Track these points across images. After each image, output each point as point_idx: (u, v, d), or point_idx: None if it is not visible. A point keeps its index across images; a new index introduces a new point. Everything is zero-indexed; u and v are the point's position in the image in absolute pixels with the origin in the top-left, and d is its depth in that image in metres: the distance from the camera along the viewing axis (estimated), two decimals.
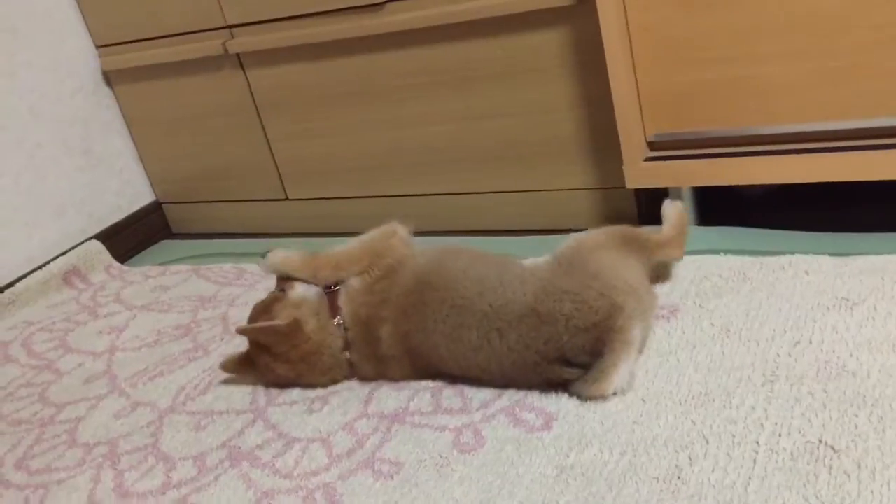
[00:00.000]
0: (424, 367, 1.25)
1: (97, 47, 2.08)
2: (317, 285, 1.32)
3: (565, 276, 1.17)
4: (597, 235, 1.28)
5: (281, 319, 1.26)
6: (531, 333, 1.13)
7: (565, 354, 1.12)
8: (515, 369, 1.16)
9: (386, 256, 1.29)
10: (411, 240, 1.35)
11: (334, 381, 1.31)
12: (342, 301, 1.28)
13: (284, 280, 1.33)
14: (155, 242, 2.20)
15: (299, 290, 1.31)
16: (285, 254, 1.35)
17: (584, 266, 1.17)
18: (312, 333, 1.27)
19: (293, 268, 1.33)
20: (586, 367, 1.12)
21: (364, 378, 1.30)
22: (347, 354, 1.28)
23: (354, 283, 1.29)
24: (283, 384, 1.33)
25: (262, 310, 1.31)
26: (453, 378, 1.25)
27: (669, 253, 1.35)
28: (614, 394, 1.12)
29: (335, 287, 1.30)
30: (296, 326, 1.26)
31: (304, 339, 1.27)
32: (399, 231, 1.34)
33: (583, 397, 1.13)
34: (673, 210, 1.39)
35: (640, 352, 1.19)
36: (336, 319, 1.27)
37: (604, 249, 1.22)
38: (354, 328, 1.27)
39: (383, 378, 1.29)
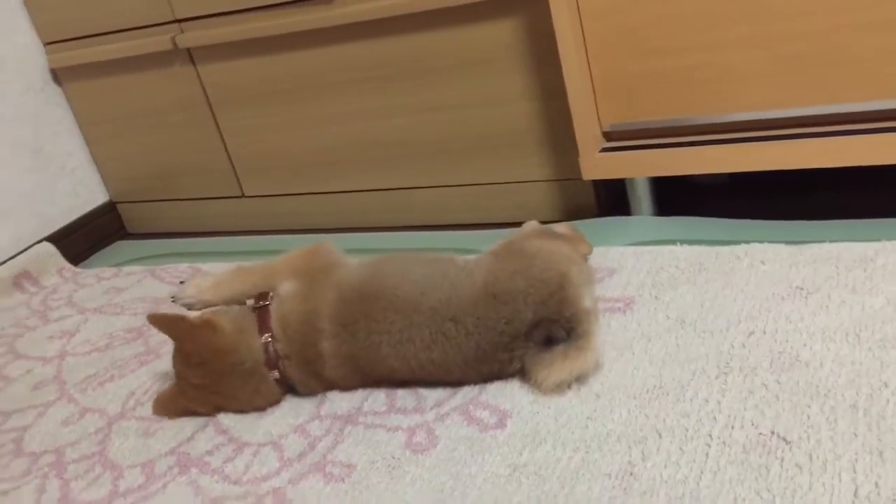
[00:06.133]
0: (375, 381, 1.22)
1: (44, 44, 2.03)
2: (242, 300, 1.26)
3: (508, 260, 1.19)
4: (522, 232, 1.32)
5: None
6: (490, 315, 1.12)
7: (532, 330, 1.11)
8: (479, 354, 1.14)
9: (314, 263, 1.25)
10: (340, 253, 1.28)
11: (265, 402, 1.23)
12: (273, 313, 1.21)
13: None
14: (110, 243, 2.16)
15: (221, 307, 1.26)
16: (197, 281, 1.29)
17: (521, 251, 1.20)
18: (227, 333, 1.19)
19: (210, 292, 1.27)
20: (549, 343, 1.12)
21: (311, 393, 1.24)
22: (276, 374, 1.21)
23: (285, 290, 1.23)
24: (209, 408, 1.25)
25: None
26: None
27: (579, 248, 1.34)
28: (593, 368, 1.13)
29: (264, 303, 1.23)
30: (208, 322, 1.19)
31: (215, 334, 1.18)
32: (325, 245, 1.29)
33: (556, 379, 1.10)
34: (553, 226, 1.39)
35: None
36: (264, 336, 1.19)
37: (533, 238, 1.26)
38: (288, 340, 1.19)
39: (331, 389, 1.24)
